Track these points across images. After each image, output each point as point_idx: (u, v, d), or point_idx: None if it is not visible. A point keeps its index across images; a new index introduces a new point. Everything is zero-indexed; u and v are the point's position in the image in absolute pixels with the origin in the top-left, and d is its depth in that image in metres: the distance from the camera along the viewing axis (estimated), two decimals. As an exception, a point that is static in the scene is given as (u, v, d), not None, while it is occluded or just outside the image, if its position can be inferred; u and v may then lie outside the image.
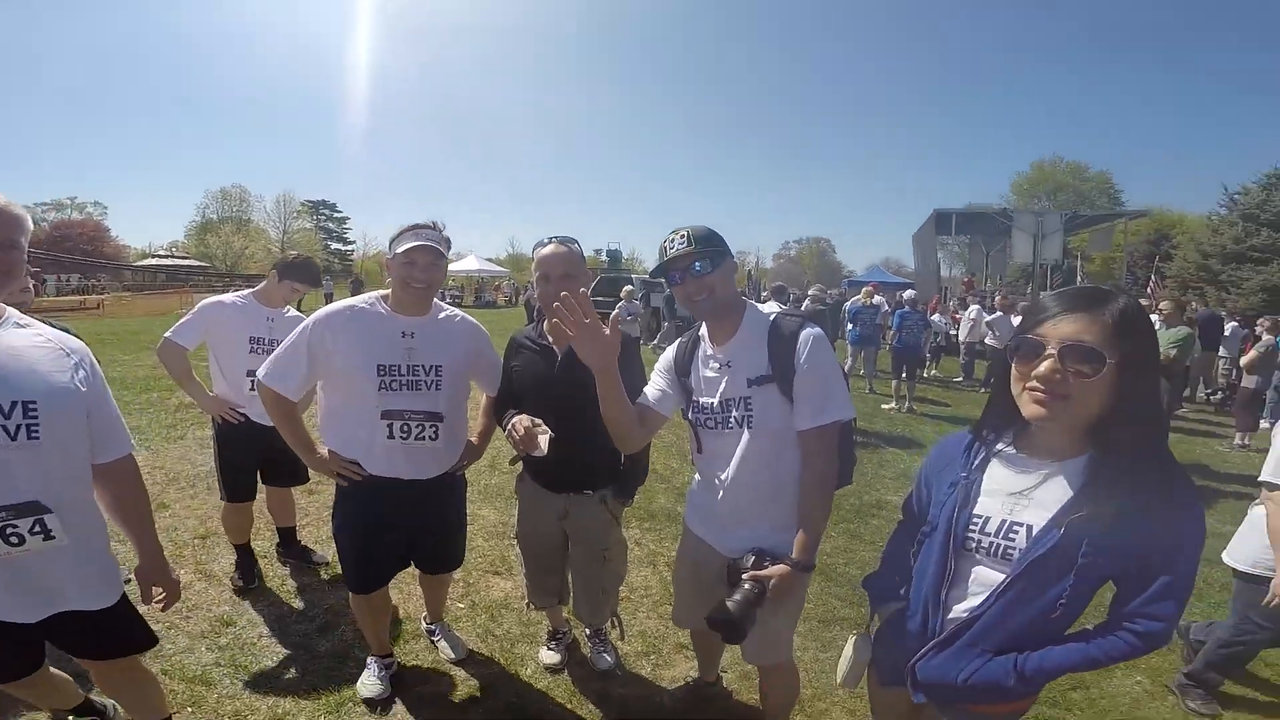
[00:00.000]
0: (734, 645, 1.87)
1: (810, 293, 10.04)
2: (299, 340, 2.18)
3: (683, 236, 1.78)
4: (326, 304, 2.35)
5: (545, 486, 2.39)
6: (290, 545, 3.58)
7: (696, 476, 2.09)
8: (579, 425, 2.10)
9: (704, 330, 1.94)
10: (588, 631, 2.81)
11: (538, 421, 2.06)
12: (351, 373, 2.16)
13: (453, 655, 2.74)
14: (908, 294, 10.49)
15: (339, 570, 3.29)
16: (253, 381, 2.76)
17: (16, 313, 1.57)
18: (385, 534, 2.33)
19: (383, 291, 2.30)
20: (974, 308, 12.77)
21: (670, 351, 2.04)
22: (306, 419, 2.37)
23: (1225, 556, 2.55)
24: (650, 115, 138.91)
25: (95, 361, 1.66)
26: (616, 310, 2.20)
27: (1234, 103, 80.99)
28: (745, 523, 1.89)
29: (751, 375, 1.80)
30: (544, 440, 2.02)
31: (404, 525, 2.35)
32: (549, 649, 2.78)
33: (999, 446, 1.38)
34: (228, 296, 3.12)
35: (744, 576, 1.74)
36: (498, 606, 3.18)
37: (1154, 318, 6.73)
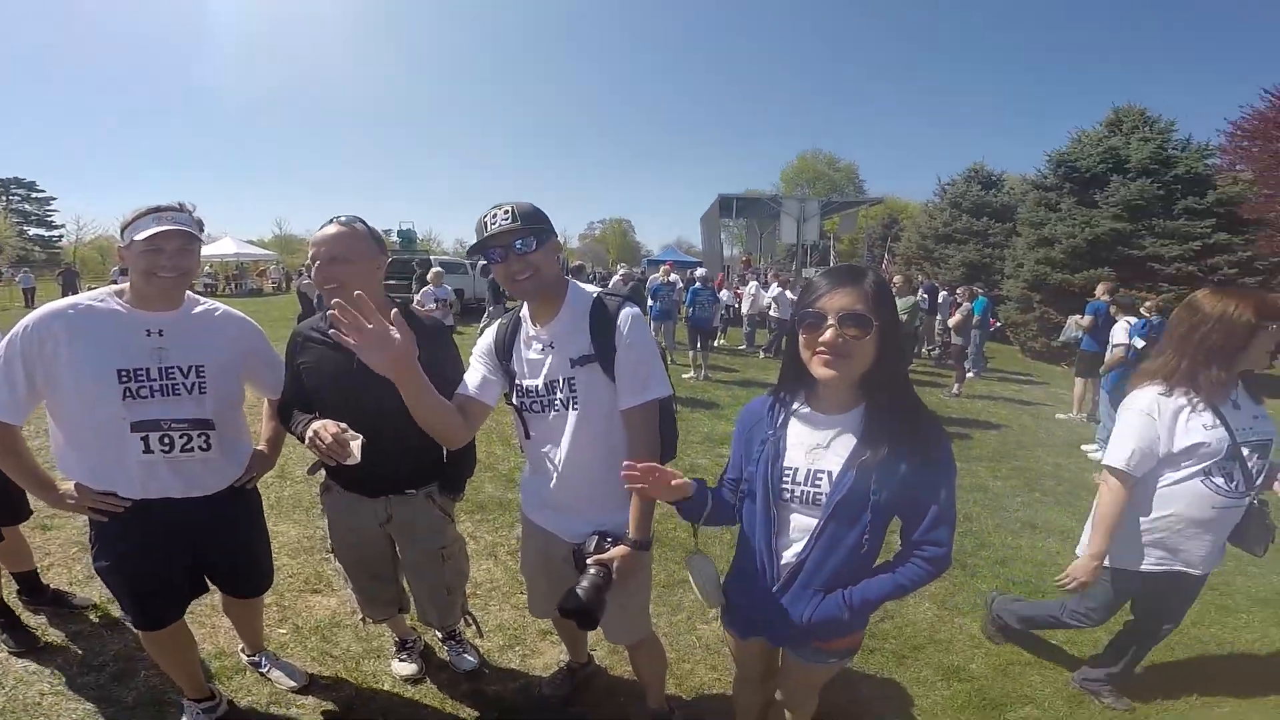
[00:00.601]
0: (592, 631, 1.87)
1: (622, 271, 10.41)
2: (8, 353, 1.78)
3: (506, 212, 1.68)
4: (29, 303, 1.90)
5: (359, 492, 2.17)
6: (38, 592, 2.91)
7: (527, 464, 2.03)
8: (388, 422, 1.94)
9: (525, 311, 1.88)
10: (440, 635, 2.65)
11: (343, 426, 1.87)
12: (83, 383, 1.80)
13: (292, 683, 2.44)
14: (699, 271, 11.30)
15: (111, 610, 2.83)
16: None
17: None
18: (165, 561, 2.00)
19: (116, 286, 1.93)
20: (752, 283, 14.19)
21: (489, 335, 1.95)
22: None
23: (1079, 549, 2.44)
24: (446, 92, 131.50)
25: None
26: (406, 305, 2.08)
27: (949, 105, 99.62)
28: (583, 505, 1.88)
29: (574, 355, 1.77)
30: (356, 446, 1.84)
31: (187, 549, 2.03)
32: (401, 660, 2.58)
33: (795, 406, 1.57)
34: None
35: (588, 562, 1.73)
36: (327, 626, 2.87)
37: (890, 289, 8.05)
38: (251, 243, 37.32)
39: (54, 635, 2.73)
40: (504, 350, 1.89)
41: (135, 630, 2.10)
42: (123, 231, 1.85)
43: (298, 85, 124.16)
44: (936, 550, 1.46)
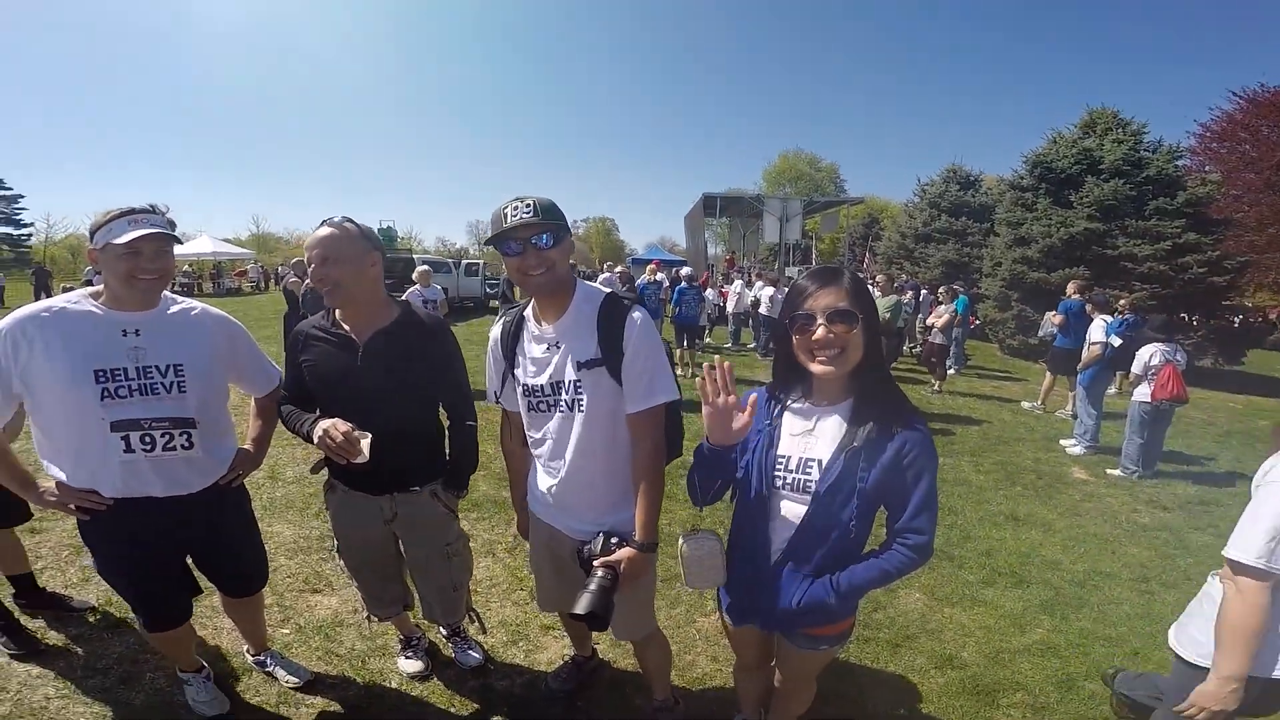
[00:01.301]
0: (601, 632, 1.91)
1: (619, 270, 10.56)
2: None
3: (528, 205, 1.65)
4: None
5: (364, 491, 2.19)
6: (35, 594, 2.90)
7: (534, 463, 2.04)
8: (393, 418, 2.01)
9: (529, 310, 1.89)
10: (444, 632, 2.68)
11: (352, 425, 1.91)
12: (61, 384, 1.80)
13: (296, 680, 2.46)
14: (685, 270, 11.38)
15: (113, 612, 2.86)
16: None
17: None
18: (157, 561, 2.03)
19: (91, 289, 1.94)
20: (738, 282, 14.31)
21: (495, 334, 1.98)
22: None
23: (1173, 639, 1.92)
24: (426, 89, 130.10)
25: None
26: (408, 304, 2.14)
27: (928, 107, 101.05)
28: (588, 505, 1.90)
29: (581, 358, 1.76)
30: (365, 444, 1.88)
31: (177, 549, 2.06)
32: (407, 658, 2.60)
33: (789, 400, 1.65)
34: None
35: (595, 564, 1.74)
36: (330, 625, 2.89)
37: (872, 289, 8.19)
38: (228, 241, 36.70)
39: (54, 638, 2.72)
40: (508, 349, 1.91)
41: (146, 633, 2.12)
42: (93, 234, 1.85)
43: (273, 81, 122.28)
44: (919, 538, 1.52)
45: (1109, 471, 5.84)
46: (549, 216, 1.68)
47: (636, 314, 1.78)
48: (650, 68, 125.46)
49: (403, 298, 1.80)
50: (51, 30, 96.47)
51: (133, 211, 1.84)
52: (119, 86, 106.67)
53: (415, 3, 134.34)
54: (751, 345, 13.21)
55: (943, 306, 10.00)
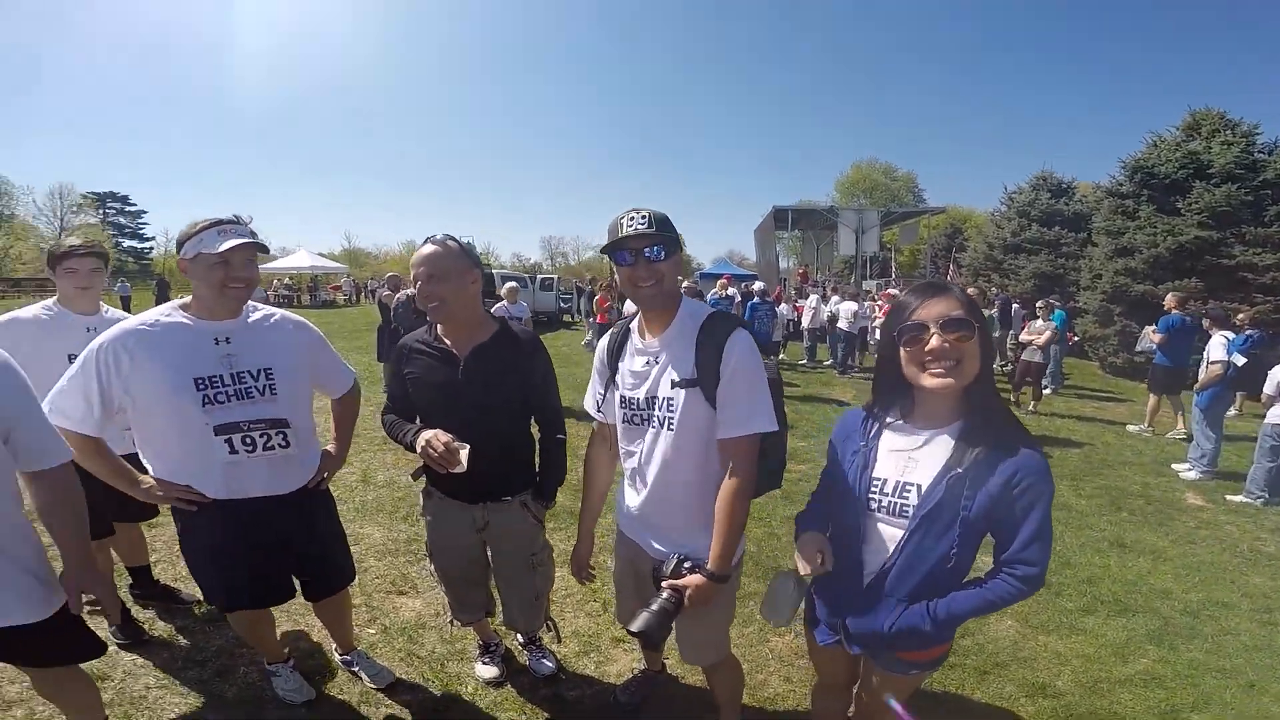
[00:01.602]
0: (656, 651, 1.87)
1: (685, 285, 10.57)
2: (85, 368, 1.88)
3: (643, 216, 1.67)
4: (126, 309, 2.09)
5: (459, 499, 2.26)
6: (149, 585, 3.13)
7: (623, 476, 2.03)
8: (490, 430, 2.06)
9: (635, 322, 1.90)
10: (520, 640, 2.73)
11: (452, 435, 1.98)
12: (163, 393, 1.91)
13: (376, 684, 2.55)
14: (757, 285, 11.26)
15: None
16: None
17: None
18: (263, 557, 2.13)
19: (177, 302, 2.05)
20: (813, 297, 14.00)
21: (603, 344, 2.01)
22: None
23: None
24: (499, 105, 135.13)
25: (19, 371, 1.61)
26: (505, 320, 2.21)
27: (1015, 112, 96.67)
28: (670, 525, 1.87)
29: (677, 377, 1.74)
30: (464, 455, 1.95)
31: (272, 548, 2.15)
32: (484, 664, 2.66)
33: (889, 419, 1.58)
34: (26, 311, 2.61)
35: (663, 585, 1.71)
36: (413, 627, 2.99)
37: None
38: (323, 255, 39.14)
39: (161, 629, 2.91)
40: (612, 359, 1.93)
41: (223, 611, 2.26)
42: (181, 245, 1.96)
43: (365, 106, 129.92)
44: (1029, 570, 1.42)
45: (1229, 498, 5.34)
46: (662, 229, 1.69)
47: (736, 335, 1.71)
48: (716, 78, 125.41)
49: (493, 312, 1.89)
50: (162, 54, 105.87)
51: (220, 223, 1.94)
52: (232, 111, 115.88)
53: (491, 20, 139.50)
54: (828, 362, 12.85)
55: (1040, 322, 9.37)
